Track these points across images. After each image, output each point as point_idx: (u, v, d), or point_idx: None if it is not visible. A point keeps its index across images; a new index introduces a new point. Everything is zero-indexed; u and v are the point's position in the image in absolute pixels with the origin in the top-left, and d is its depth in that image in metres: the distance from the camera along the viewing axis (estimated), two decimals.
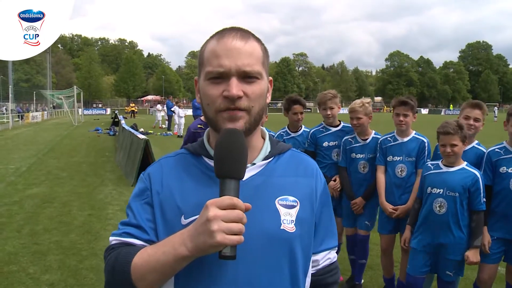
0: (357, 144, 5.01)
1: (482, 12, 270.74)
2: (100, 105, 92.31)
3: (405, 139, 4.70)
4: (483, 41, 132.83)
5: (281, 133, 5.58)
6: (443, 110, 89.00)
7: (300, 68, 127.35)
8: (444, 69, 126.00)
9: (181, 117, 26.82)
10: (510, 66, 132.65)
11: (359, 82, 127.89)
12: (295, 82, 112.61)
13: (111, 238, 1.44)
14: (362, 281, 5.29)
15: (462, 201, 3.89)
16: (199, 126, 5.09)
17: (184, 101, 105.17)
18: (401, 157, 4.66)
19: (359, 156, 4.99)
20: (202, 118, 5.37)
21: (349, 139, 5.08)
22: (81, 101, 51.82)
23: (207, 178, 1.41)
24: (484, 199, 3.86)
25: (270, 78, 1.49)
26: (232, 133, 1.30)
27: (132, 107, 55.54)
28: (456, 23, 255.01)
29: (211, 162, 1.40)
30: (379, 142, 4.85)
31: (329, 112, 5.17)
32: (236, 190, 1.25)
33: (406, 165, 4.64)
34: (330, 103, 5.15)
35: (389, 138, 4.79)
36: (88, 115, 61.04)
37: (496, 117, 49.47)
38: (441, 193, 3.96)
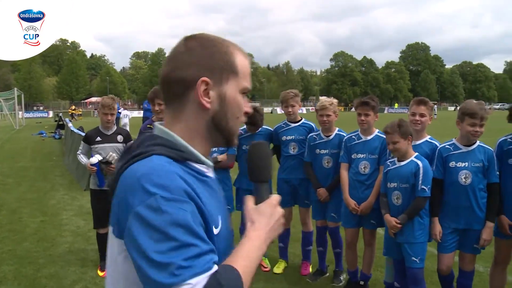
0: (321, 141, 5.27)
1: (421, 15, 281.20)
2: (41, 108, 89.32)
3: (369, 138, 4.92)
4: (421, 42, 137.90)
5: (240, 130, 5.66)
6: (386, 108, 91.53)
7: None
8: (386, 69, 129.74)
9: (128, 118, 26.31)
10: (447, 67, 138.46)
11: (304, 82, 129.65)
12: None
13: (196, 279, 1.10)
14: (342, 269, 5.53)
15: (412, 190, 4.26)
16: (148, 126, 5.12)
17: (129, 103, 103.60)
18: (365, 155, 4.88)
19: (323, 151, 5.25)
20: (153, 118, 5.37)
21: (314, 135, 5.36)
22: (22, 103, 49.88)
23: (204, 184, 1.34)
24: (424, 187, 4.16)
25: None
26: (264, 145, 1.48)
27: (72, 109, 53.53)
28: (397, 25, 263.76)
29: (200, 167, 1.36)
30: (344, 140, 5.06)
31: (290, 110, 5.56)
32: (269, 190, 1.43)
33: (369, 162, 4.86)
34: (292, 101, 5.53)
35: (353, 137, 5.02)
36: (29, 118, 58.70)
37: (435, 114, 51.40)
38: (396, 186, 4.33)
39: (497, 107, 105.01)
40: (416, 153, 4.34)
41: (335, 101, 5.36)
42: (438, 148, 4.45)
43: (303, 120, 5.68)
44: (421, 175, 4.19)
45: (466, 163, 4.22)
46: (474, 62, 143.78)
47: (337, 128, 5.36)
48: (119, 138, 5.66)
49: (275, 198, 1.39)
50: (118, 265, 1.26)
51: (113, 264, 1.28)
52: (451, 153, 4.32)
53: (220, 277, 1.13)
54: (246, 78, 1.40)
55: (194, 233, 1.15)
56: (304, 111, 73.65)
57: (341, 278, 5.40)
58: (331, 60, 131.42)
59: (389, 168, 4.43)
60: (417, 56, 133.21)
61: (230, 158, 5.53)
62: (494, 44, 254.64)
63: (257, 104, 5.89)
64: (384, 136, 4.84)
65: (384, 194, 4.48)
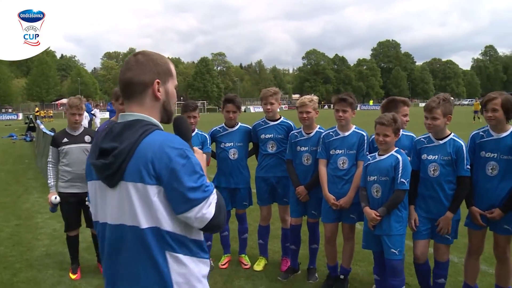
0: (302, 138, 5.32)
1: (391, 13, 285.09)
2: (10, 110, 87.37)
3: (346, 133, 5.00)
4: (392, 40, 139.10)
5: (218, 129, 5.89)
6: (359, 105, 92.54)
7: (219, 68, 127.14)
8: (358, 66, 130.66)
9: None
10: (417, 64, 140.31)
11: (277, 80, 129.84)
12: (214, 82, 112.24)
13: (214, 192, 2.00)
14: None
15: (391, 183, 4.38)
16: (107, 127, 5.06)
17: (101, 104, 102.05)
18: (343, 150, 4.96)
19: (303, 149, 5.30)
20: (113, 119, 5.35)
21: (295, 133, 5.41)
22: None
23: None
24: (403, 180, 4.29)
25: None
26: (184, 118, 2.29)
27: (36, 112, 51.89)
28: (368, 23, 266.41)
29: None
30: (321, 136, 5.11)
31: (269, 107, 5.61)
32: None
33: (348, 157, 4.94)
34: (271, 99, 5.58)
35: (331, 133, 5.09)
36: None
37: None
38: (375, 179, 4.44)
39: (466, 102, 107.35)
40: (396, 148, 4.46)
41: (315, 98, 5.42)
42: (414, 140, 4.67)
43: (282, 119, 5.72)
44: (400, 169, 4.30)
45: (436, 156, 4.39)
46: (443, 59, 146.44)
47: (318, 126, 5.41)
48: (87, 138, 5.59)
49: (197, 149, 2.19)
50: (153, 205, 1.91)
51: (145, 206, 1.91)
52: (424, 145, 4.50)
53: (220, 197, 2.05)
54: (175, 78, 2.20)
55: (201, 168, 1.98)
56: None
57: (316, 275, 5.47)
58: (303, 58, 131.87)
59: (369, 162, 4.54)
60: (388, 54, 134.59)
61: (207, 156, 5.54)
62: (461, 42, 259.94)
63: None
64: (362, 132, 4.98)
65: (363, 188, 4.57)
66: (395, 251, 4.30)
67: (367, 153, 4.85)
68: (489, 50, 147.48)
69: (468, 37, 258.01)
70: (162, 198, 1.92)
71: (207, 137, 5.72)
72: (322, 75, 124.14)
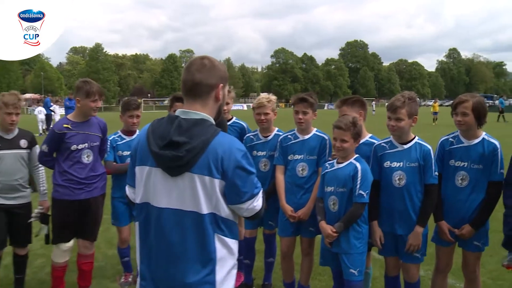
0: (259, 142, 4.86)
1: (360, 14, 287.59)
2: None
3: (306, 137, 4.54)
4: (360, 40, 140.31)
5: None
6: (326, 104, 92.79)
7: None
8: (326, 65, 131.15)
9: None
10: (384, 64, 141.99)
11: (245, 79, 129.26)
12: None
13: (260, 185, 2.43)
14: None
15: (350, 195, 3.92)
16: (65, 126, 4.48)
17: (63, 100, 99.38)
18: (302, 156, 4.50)
19: (260, 153, 4.84)
20: (69, 117, 4.74)
21: (251, 136, 4.94)
22: None
23: None
24: (362, 192, 3.83)
25: None
26: None
27: None
28: (337, 23, 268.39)
29: None
30: (279, 140, 4.64)
31: (225, 107, 4.93)
32: None
33: (307, 163, 4.48)
34: (226, 98, 4.95)
35: (289, 136, 4.61)
36: None
37: (374, 111, 52.57)
38: (332, 190, 3.97)
39: (430, 103, 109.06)
40: (357, 155, 4.01)
41: (273, 97, 4.94)
42: (374, 145, 4.16)
43: (234, 119, 5.24)
44: (359, 179, 3.85)
45: (401, 163, 3.94)
46: (410, 60, 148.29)
47: (276, 128, 4.97)
48: (23, 143, 4.76)
49: None
50: (216, 195, 2.26)
51: (207, 196, 2.24)
52: (386, 151, 4.04)
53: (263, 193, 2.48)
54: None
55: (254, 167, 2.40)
56: (245, 108, 73.54)
57: None
58: (272, 56, 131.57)
59: (327, 171, 4.09)
60: (356, 54, 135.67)
61: (107, 166, 5.12)
62: (427, 44, 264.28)
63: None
64: (323, 136, 4.54)
65: (320, 199, 4.13)
66: (354, 271, 3.87)
67: (330, 159, 4.42)
68: (453, 53, 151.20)
69: (433, 39, 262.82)
70: (222, 190, 2.27)
71: None
72: (290, 74, 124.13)
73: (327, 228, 3.94)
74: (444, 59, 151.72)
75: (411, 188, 3.91)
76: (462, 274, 4.27)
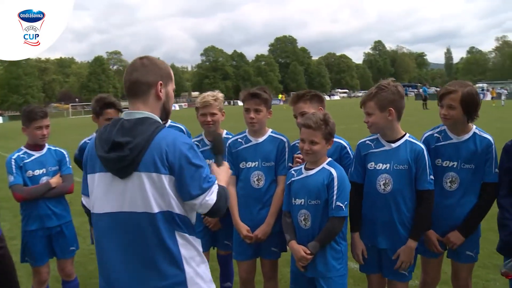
0: (205, 148, 4.07)
1: (287, 10, 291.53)
2: None
3: (260, 140, 3.82)
4: (289, 35, 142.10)
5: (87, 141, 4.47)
6: None
7: (115, 67, 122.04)
8: (256, 62, 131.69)
9: None
10: (313, 58, 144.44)
11: (176, 78, 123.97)
12: (111, 82, 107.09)
13: (214, 179, 2.38)
14: None
15: (325, 207, 3.22)
16: None
17: None
18: (257, 163, 3.77)
19: (208, 161, 3.89)
20: None
21: (196, 142, 4.11)
22: None
23: None
24: (340, 204, 3.16)
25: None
26: (219, 134, 3.60)
27: None
28: (265, 19, 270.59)
29: None
30: (227, 145, 3.87)
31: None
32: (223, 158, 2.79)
33: (264, 172, 3.76)
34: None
35: (240, 140, 3.87)
36: None
37: None
38: (303, 203, 3.25)
39: (360, 94, 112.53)
40: (329, 159, 3.33)
41: (220, 95, 4.21)
42: (358, 143, 3.49)
43: (169, 122, 4.34)
44: (335, 188, 3.17)
45: (387, 165, 3.30)
46: (338, 54, 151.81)
47: (225, 131, 4.24)
48: None
49: (226, 163, 2.71)
50: (167, 192, 2.22)
51: (158, 193, 2.21)
52: (372, 150, 3.39)
53: (221, 187, 2.42)
54: (174, 82, 2.51)
55: (204, 160, 2.36)
56: (177, 108, 72.08)
57: None
58: (201, 55, 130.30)
59: (293, 179, 3.38)
60: (285, 49, 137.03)
61: (68, 179, 4.19)
62: (353, 37, 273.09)
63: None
64: (280, 137, 3.82)
65: (287, 214, 3.42)
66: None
67: (290, 165, 3.69)
68: (378, 45, 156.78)
69: (359, 33, 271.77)
70: (173, 186, 2.23)
71: (65, 154, 4.36)
72: (221, 72, 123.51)
73: (299, 250, 3.23)
74: (370, 51, 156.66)
75: (397, 195, 3.27)
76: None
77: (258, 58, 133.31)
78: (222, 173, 2.57)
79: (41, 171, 4.17)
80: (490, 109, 34.56)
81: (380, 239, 3.34)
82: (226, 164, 2.65)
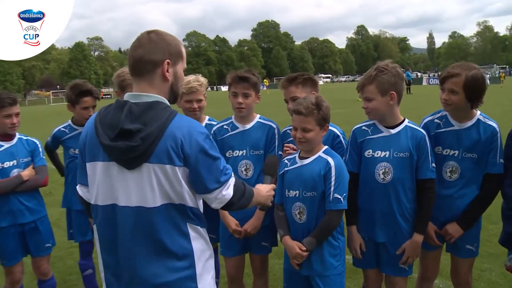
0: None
1: None
2: None
3: (247, 126, 3.56)
4: (271, 20, 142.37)
5: (63, 129, 4.35)
6: None
7: (96, 53, 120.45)
8: (239, 47, 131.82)
9: None
10: (296, 43, 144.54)
11: None
12: (92, 68, 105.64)
13: (230, 172, 2.21)
14: None
15: (322, 200, 2.97)
16: None
17: None
18: (244, 151, 3.52)
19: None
20: None
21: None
22: None
23: None
24: (339, 196, 2.92)
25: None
26: (275, 156, 3.29)
27: None
28: (247, 4, 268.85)
29: None
30: (213, 132, 3.60)
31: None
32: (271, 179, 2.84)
33: (252, 161, 3.50)
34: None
35: (225, 127, 3.61)
36: None
37: None
38: (297, 195, 3.01)
39: (343, 79, 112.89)
40: (326, 147, 3.09)
41: (203, 79, 3.91)
42: (353, 129, 3.25)
43: None
44: (333, 179, 2.93)
45: (387, 152, 3.07)
46: (321, 38, 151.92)
47: (207, 117, 3.99)
48: None
49: (272, 185, 2.70)
50: (181, 184, 2.06)
51: (171, 186, 2.04)
52: (369, 137, 3.16)
53: (238, 181, 2.29)
54: (185, 61, 2.26)
55: (218, 151, 2.20)
56: None
57: None
58: (184, 40, 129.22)
59: (286, 169, 3.14)
60: (268, 34, 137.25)
61: (42, 171, 3.92)
62: (336, 22, 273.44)
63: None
64: (269, 123, 3.57)
65: (280, 206, 3.17)
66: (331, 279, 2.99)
67: (280, 153, 3.46)
68: (361, 30, 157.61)
69: (342, 17, 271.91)
70: (186, 178, 2.07)
71: (38, 144, 4.04)
72: (203, 57, 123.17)
73: (294, 246, 2.99)
74: (353, 36, 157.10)
75: (398, 185, 3.05)
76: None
77: (241, 43, 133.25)
78: (263, 188, 2.54)
79: (11, 163, 3.85)
80: None
81: (378, 232, 3.12)
82: (272, 186, 2.64)
